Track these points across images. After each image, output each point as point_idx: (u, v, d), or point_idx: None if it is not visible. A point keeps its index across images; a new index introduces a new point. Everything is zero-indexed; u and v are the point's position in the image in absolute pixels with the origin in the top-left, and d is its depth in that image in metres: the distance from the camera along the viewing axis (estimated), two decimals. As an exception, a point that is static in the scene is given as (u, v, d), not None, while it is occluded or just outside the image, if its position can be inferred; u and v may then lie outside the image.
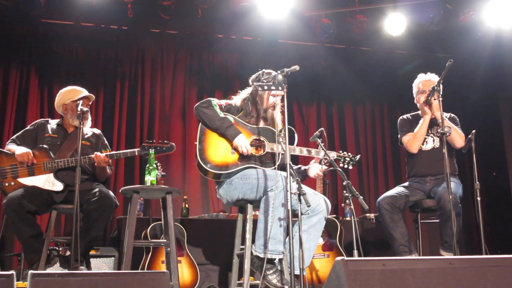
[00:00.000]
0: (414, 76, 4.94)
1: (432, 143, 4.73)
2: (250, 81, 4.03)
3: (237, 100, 4.02)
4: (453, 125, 4.51)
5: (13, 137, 4.42)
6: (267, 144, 3.80)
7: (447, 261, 2.03)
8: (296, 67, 3.40)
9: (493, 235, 6.78)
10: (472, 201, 4.92)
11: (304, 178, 4.02)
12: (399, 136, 4.92)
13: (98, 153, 4.18)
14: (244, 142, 3.72)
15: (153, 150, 4.10)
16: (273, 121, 3.95)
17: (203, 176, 3.96)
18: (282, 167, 3.43)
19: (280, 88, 3.55)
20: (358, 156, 4.05)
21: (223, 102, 3.92)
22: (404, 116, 4.98)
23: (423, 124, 4.66)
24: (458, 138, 4.56)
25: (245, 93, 4.03)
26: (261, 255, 3.48)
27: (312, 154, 3.89)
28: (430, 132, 4.74)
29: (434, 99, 4.39)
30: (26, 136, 4.40)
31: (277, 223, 3.47)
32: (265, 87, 3.66)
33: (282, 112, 3.94)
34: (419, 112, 4.87)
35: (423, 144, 4.73)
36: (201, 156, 3.71)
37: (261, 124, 3.97)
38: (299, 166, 3.94)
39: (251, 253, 3.57)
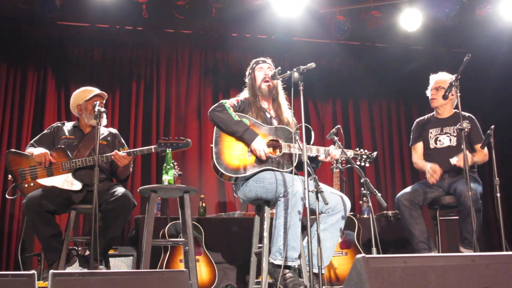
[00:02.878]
0: (430, 71, 4.93)
1: (448, 142, 4.73)
2: (246, 80, 4.15)
3: (244, 94, 4.07)
4: (472, 156, 4.51)
5: (31, 141, 4.48)
6: (284, 145, 3.78)
7: (470, 258, 2.00)
8: (312, 65, 3.39)
9: (513, 231, 6.71)
10: (492, 197, 4.88)
11: (317, 165, 4.01)
12: (410, 140, 5.03)
13: (117, 151, 4.21)
14: (261, 145, 3.70)
15: (170, 149, 4.12)
16: (271, 94, 4.01)
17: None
18: (300, 164, 3.41)
19: (260, 61, 4.02)
20: (375, 153, 4.02)
21: (234, 101, 3.93)
22: (418, 120, 5.05)
23: (423, 167, 4.71)
24: (482, 160, 4.64)
25: (246, 89, 4.11)
26: (275, 262, 3.46)
27: (328, 151, 3.84)
28: (446, 132, 4.74)
29: (452, 94, 4.37)
30: (43, 140, 4.44)
31: (292, 229, 3.45)
32: (250, 70, 4.03)
33: (267, 84, 3.98)
34: (434, 113, 4.92)
35: (437, 143, 4.77)
36: (217, 159, 3.69)
37: (267, 103, 4.03)
38: (317, 155, 3.90)
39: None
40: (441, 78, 4.79)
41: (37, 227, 3.98)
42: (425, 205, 4.70)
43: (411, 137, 5.02)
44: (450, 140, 4.72)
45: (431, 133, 4.82)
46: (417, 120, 5.04)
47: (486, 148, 4.62)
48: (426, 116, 5.00)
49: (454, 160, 4.41)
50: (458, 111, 4.72)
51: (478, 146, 4.63)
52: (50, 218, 4.04)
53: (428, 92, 4.88)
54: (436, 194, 4.62)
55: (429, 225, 5.36)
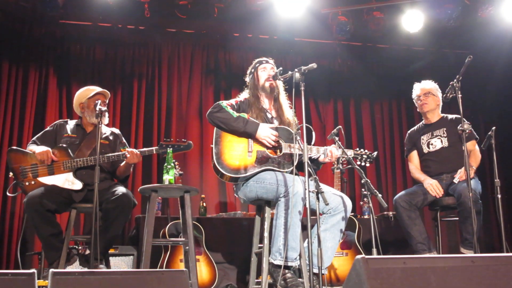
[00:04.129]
0: (432, 72, 4.97)
1: (440, 144, 4.79)
2: (247, 79, 4.15)
3: (244, 95, 4.06)
4: (472, 168, 4.56)
5: (34, 138, 4.48)
6: (284, 145, 3.78)
7: (469, 259, 2.00)
8: (314, 65, 3.39)
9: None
10: (492, 198, 4.88)
11: (319, 166, 4.00)
12: (405, 151, 5.12)
13: (131, 149, 4.23)
14: (267, 132, 3.70)
15: (171, 149, 4.12)
16: (273, 93, 4.00)
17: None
18: (301, 164, 3.41)
19: (264, 61, 4.02)
20: (375, 153, 4.03)
21: (232, 101, 3.93)
22: (409, 131, 5.14)
23: (418, 179, 4.78)
24: (478, 162, 4.69)
25: (247, 89, 4.11)
26: (275, 262, 3.46)
27: (327, 151, 3.84)
28: (436, 135, 4.79)
29: (453, 96, 4.37)
30: (46, 137, 4.45)
31: (292, 229, 3.44)
32: (252, 70, 4.03)
33: (270, 83, 3.97)
34: (422, 121, 5.03)
35: (430, 147, 4.85)
36: (217, 160, 3.68)
37: (269, 102, 4.02)
38: (318, 156, 3.90)
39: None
40: (427, 86, 4.92)
41: (37, 226, 3.98)
42: (424, 206, 4.71)
43: (405, 148, 5.11)
44: (442, 141, 4.78)
45: (423, 139, 4.91)
46: (409, 131, 5.14)
47: (478, 149, 4.66)
48: (415, 127, 5.11)
49: (456, 180, 4.48)
50: (445, 115, 4.82)
51: (469, 144, 4.65)
52: (51, 217, 4.04)
53: (415, 100, 4.98)
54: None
55: (430, 226, 5.36)
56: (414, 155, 4.97)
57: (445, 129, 4.79)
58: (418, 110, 5.00)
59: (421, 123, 5.06)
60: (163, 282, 2.39)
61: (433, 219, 4.85)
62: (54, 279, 2.21)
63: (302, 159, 3.23)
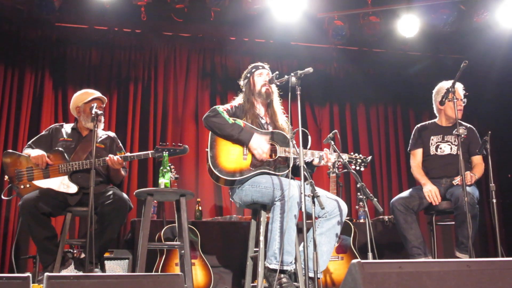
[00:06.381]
0: (427, 77, 4.96)
1: (449, 150, 4.74)
2: (241, 83, 4.15)
3: (238, 100, 4.06)
4: (473, 176, 4.52)
5: (29, 142, 4.48)
6: (279, 149, 3.77)
7: (465, 264, 2.01)
8: (310, 69, 3.39)
9: (508, 237, 6.71)
10: (488, 203, 4.89)
11: (313, 169, 3.99)
12: (409, 145, 5.01)
13: (112, 156, 4.20)
14: (260, 143, 3.69)
15: (166, 152, 4.11)
16: (268, 98, 3.99)
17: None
18: (296, 169, 3.41)
19: (260, 66, 4.01)
20: (369, 158, 4.03)
21: (228, 106, 3.93)
22: (419, 125, 5.03)
23: (418, 180, 4.75)
24: (481, 173, 4.66)
25: (241, 94, 4.11)
26: (270, 266, 3.45)
27: (322, 154, 3.84)
28: (447, 140, 4.76)
29: (449, 101, 4.38)
30: (41, 141, 4.44)
31: (287, 233, 3.43)
32: (248, 74, 4.03)
33: (266, 88, 3.98)
34: (435, 120, 4.93)
35: (438, 150, 4.79)
36: (213, 163, 3.68)
37: (263, 108, 4.02)
38: (312, 159, 3.89)
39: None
40: (461, 90, 4.71)
41: (32, 229, 3.97)
42: (420, 210, 4.71)
43: (410, 142, 5.01)
44: (451, 148, 4.72)
45: (432, 139, 4.83)
46: (418, 126, 5.03)
47: (483, 161, 4.65)
48: (427, 123, 5.00)
49: (455, 182, 4.47)
50: (460, 120, 4.75)
51: (476, 158, 4.66)
52: (46, 220, 4.03)
53: (445, 99, 4.53)
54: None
55: (425, 230, 5.37)
56: (418, 152, 4.88)
57: (457, 137, 4.69)
58: (445, 111, 4.75)
59: (433, 121, 4.95)
60: (159, 286, 2.39)
61: (429, 223, 4.85)
62: (49, 283, 2.20)
63: (297, 163, 3.22)
